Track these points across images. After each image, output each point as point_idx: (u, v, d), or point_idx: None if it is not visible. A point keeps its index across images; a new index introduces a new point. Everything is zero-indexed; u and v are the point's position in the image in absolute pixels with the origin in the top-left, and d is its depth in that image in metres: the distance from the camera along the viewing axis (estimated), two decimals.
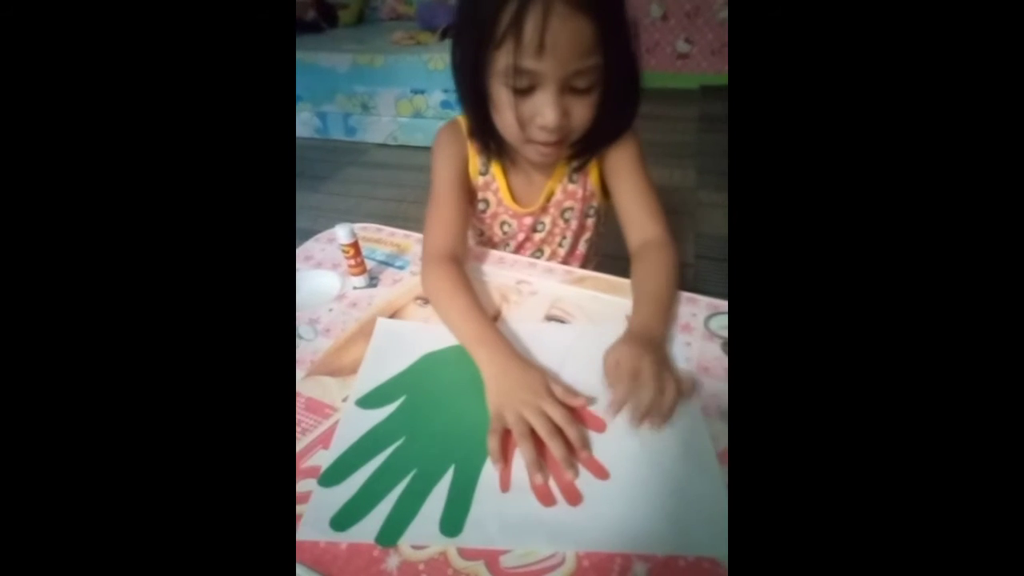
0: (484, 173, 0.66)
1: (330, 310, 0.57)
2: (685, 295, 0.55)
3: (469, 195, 0.66)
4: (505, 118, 0.53)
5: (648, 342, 0.46)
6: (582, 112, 0.51)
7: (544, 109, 0.50)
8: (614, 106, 0.54)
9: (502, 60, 0.48)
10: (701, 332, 0.51)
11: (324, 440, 0.43)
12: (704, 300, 0.55)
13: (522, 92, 0.50)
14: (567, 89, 0.50)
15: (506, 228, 0.69)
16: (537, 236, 0.69)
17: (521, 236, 0.69)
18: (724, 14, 2.53)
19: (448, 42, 2.39)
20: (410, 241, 0.68)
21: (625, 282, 0.58)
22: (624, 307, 0.54)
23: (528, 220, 0.68)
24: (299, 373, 0.49)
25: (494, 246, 0.71)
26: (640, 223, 0.60)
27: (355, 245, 0.58)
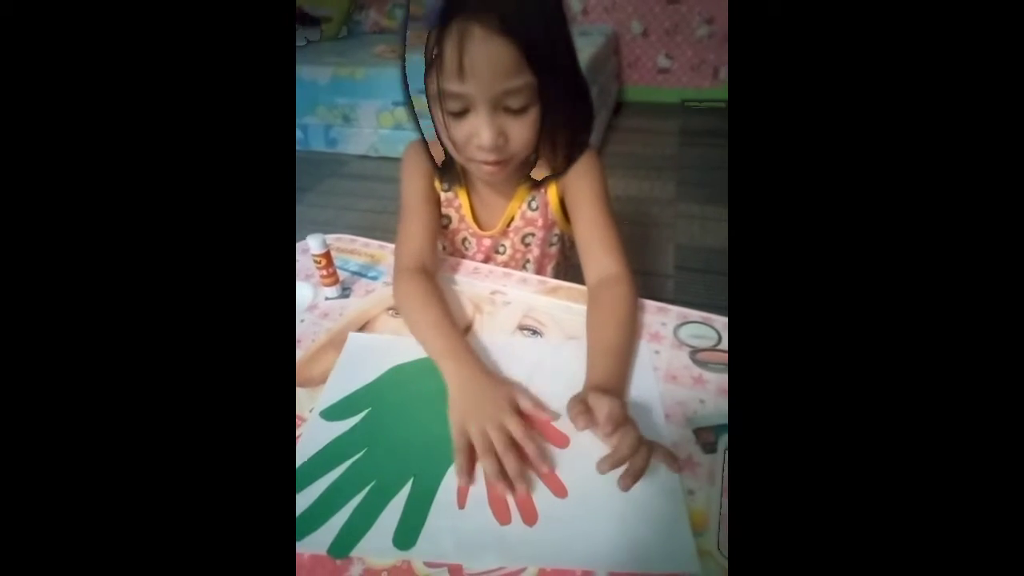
0: (447, 190, 0.67)
1: (301, 321, 0.56)
2: (655, 304, 0.56)
3: (438, 208, 0.66)
4: (444, 139, 0.54)
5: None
6: (520, 132, 0.51)
7: (480, 130, 0.50)
8: (559, 124, 0.54)
9: (432, 85, 0.49)
10: (670, 341, 0.52)
11: None
12: (675, 310, 0.55)
13: (457, 114, 0.51)
14: (501, 109, 0.50)
15: (467, 245, 0.70)
16: (499, 258, 0.69)
17: (480, 256, 0.69)
18: (702, 31, 2.60)
19: None
20: (384, 252, 0.68)
21: None
22: None
23: (488, 241, 0.68)
24: None
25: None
26: (596, 258, 0.58)
27: (327, 255, 0.58)
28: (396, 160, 0.68)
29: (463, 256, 0.70)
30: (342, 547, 0.35)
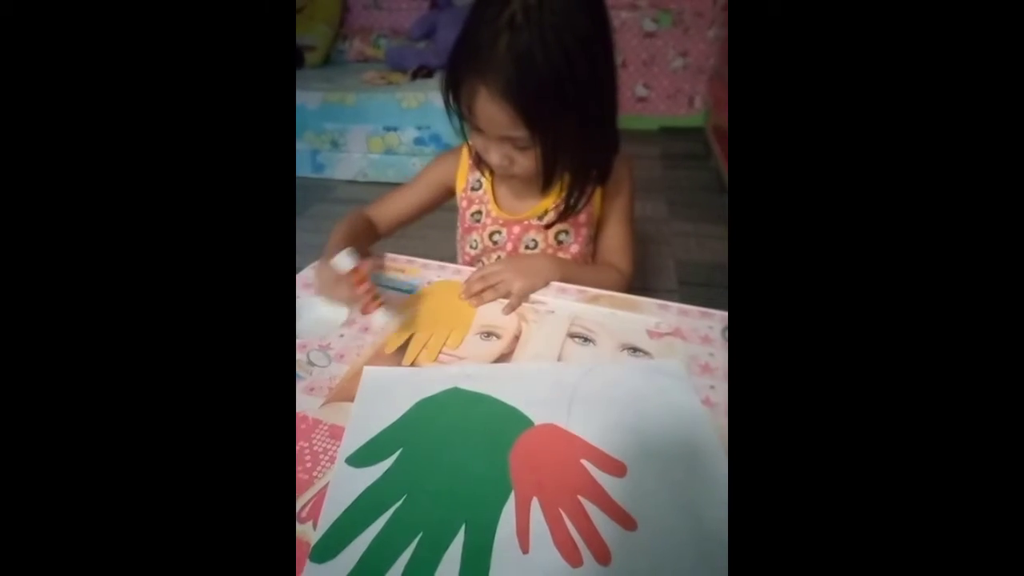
0: (477, 188, 0.70)
1: (341, 336, 0.55)
2: (699, 310, 0.57)
3: (431, 199, 0.74)
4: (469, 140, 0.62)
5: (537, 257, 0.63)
6: (524, 161, 0.57)
7: (489, 152, 0.57)
8: (569, 163, 0.59)
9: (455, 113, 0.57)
10: (720, 343, 0.52)
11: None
12: (718, 314, 0.56)
13: (479, 130, 0.56)
14: (507, 142, 0.55)
15: (496, 238, 0.71)
16: (529, 252, 0.70)
17: (510, 246, 0.70)
18: (677, 63, 2.72)
19: (419, 82, 2.42)
20: (415, 266, 0.67)
21: (641, 299, 0.59)
22: (643, 322, 0.55)
23: (516, 229, 0.69)
24: (318, 400, 0.46)
25: (487, 255, 0.72)
26: (612, 258, 0.70)
27: (358, 272, 0.52)
28: (386, 185, 0.72)
29: (493, 249, 0.71)
30: None
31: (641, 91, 2.84)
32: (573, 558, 0.34)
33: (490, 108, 0.51)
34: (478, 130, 0.55)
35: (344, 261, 0.51)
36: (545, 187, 0.61)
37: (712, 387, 0.47)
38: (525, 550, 0.34)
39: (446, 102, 0.56)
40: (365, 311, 0.54)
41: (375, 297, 0.53)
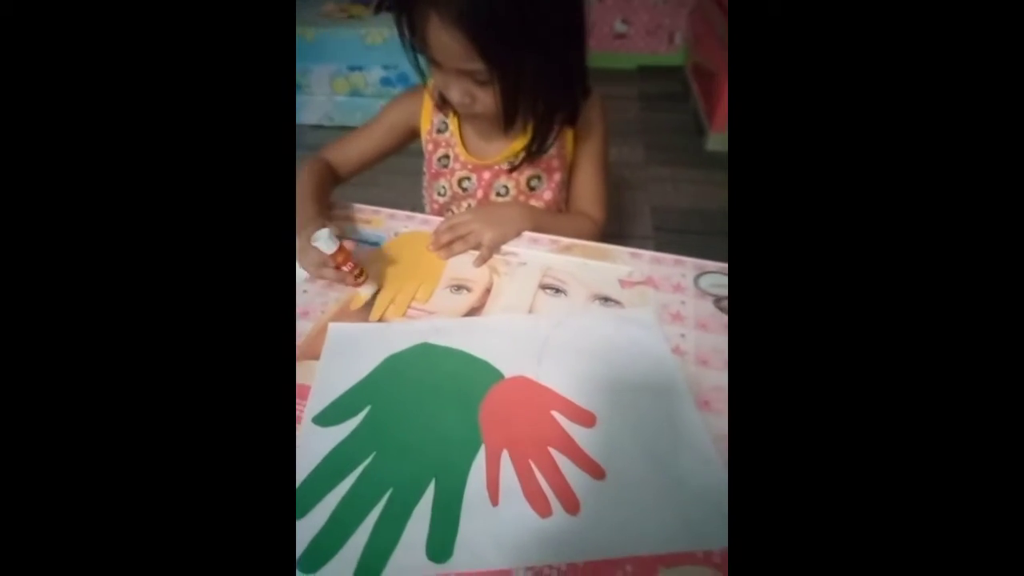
0: (443, 130, 0.67)
1: (304, 292, 0.53)
2: (672, 257, 0.56)
3: (394, 141, 0.70)
4: (429, 80, 0.59)
5: (508, 206, 0.62)
6: (485, 97, 0.54)
7: (449, 88, 0.54)
8: (534, 99, 0.55)
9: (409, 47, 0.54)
10: (693, 291, 0.52)
11: None
12: (690, 261, 0.56)
13: (437, 64, 0.53)
14: (466, 76, 0.52)
15: (465, 185, 0.68)
16: (500, 200, 0.68)
17: (480, 193, 0.67)
18: None
19: (384, 16, 2.26)
20: (381, 217, 0.64)
21: (613, 248, 0.58)
22: (615, 272, 0.54)
23: (486, 175, 0.66)
24: None
25: (456, 203, 0.70)
26: (584, 204, 0.68)
27: (343, 250, 0.49)
28: (354, 129, 0.68)
29: (463, 196, 0.68)
30: (370, 570, 0.31)
31: (620, 27, 2.71)
32: (543, 509, 0.34)
33: (443, 36, 0.48)
34: (436, 64, 0.52)
35: (325, 243, 0.48)
36: (506, 127, 0.57)
37: (683, 335, 0.47)
38: (495, 502, 0.35)
39: (400, 31, 0.52)
40: (355, 283, 0.52)
41: (359, 274, 0.51)
